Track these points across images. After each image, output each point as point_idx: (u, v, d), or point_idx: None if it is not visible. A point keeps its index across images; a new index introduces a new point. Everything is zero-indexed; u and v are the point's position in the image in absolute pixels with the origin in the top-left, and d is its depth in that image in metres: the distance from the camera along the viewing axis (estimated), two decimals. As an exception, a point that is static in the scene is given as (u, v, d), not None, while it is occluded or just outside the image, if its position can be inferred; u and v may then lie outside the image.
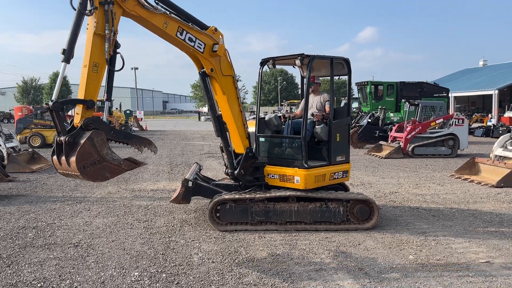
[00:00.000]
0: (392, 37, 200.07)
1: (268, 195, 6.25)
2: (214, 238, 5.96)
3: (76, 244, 5.70)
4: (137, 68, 75.21)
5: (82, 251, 5.42)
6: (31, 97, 75.18)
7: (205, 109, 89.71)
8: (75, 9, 4.72)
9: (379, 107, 21.40)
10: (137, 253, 5.37)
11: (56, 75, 69.01)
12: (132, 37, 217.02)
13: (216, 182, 7.30)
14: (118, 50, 5.08)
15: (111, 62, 5.02)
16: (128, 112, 39.66)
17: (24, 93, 76.54)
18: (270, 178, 6.54)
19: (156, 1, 5.49)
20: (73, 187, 9.82)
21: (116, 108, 33.82)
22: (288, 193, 6.21)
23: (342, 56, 6.62)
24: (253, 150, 6.56)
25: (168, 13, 5.50)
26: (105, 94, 5.25)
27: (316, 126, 6.61)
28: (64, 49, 4.70)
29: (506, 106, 41.02)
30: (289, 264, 4.97)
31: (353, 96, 31.32)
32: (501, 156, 11.03)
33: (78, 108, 4.77)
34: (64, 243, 5.73)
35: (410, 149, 15.75)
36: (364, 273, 4.72)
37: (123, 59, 5.14)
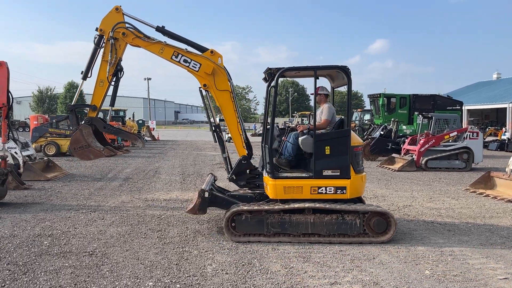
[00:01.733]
0: (403, 49, 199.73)
1: (287, 206, 6.20)
2: (228, 249, 5.95)
3: (91, 252, 5.74)
4: (150, 79, 75.92)
5: (97, 260, 5.45)
6: (46, 106, 76.40)
7: (217, 119, 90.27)
8: (94, 43, 6.94)
9: (392, 119, 21.29)
10: (151, 263, 5.38)
11: (70, 84, 70.24)
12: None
13: (231, 192, 7.33)
14: (121, 71, 7.08)
15: (116, 79, 7.08)
16: (140, 122, 40.01)
17: (40, 102, 77.83)
18: (264, 186, 6.73)
19: (163, 34, 6.98)
20: (87, 195, 9.91)
21: (129, 118, 34.16)
22: (306, 204, 6.17)
23: (338, 65, 6.40)
24: (248, 159, 6.97)
25: (165, 41, 6.91)
26: (110, 101, 7.28)
27: (299, 138, 6.62)
28: (82, 71, 7.01)
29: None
30: (303, 277, 4.94)
31: (365, 108, 31.17)
32: (518, 171, 10.85)
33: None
34: (79, 252, 5.77)
35: (423, 162, 15.61)
36: (379, 287, 4.67)
37: (120, 77, 7.16)
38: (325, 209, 6.17)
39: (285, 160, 6.77)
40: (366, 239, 6.22)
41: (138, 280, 4.80)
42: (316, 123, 6.52)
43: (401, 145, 17.81)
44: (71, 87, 70.08)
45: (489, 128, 39.02)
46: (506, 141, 26.75)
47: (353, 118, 31.24)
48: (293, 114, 60.87)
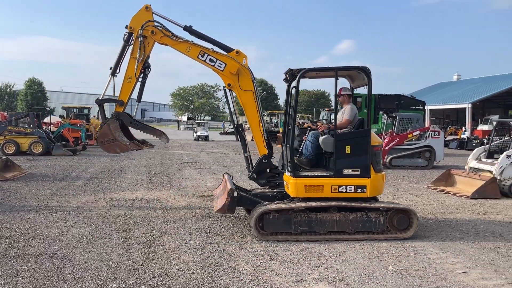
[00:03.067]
0: (369, 50, 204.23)
1: (314, 204, 6.25)
2: (195, 248, 5.89)
3: (51, 255, 5.54)
4: (116, 76, 74.29)
5: (57, 262, 5.26)
6: (5, 103, 73.27)
7: (184, 118, 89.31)
8: (123, 40, 7.04)
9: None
10: (115, 264, 5.25)
11: (31, 81, 67.60)
12: (112, 46, 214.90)
13: (252, 192, 7.31)
14: (148, 68, 7.16)
15: (144, 76, 7.15)
16: (106, 120, 38.95)
17: (-2, 99, 74.54)
18: (285, 184, 6.84)
19: (190, 33, 7.12)
20: (48, 196, 9.57)
21: (94, 116, 33.25)
22: (333, 203, 6.25)
23: (357, 65, 6.54)
24: (268, 158, 7.08)
25: (192, 40, 7.05)
26: (136, 97, 7.45)
27: (320, 137, 6.72)
28: (111, 67, 7.17)
29: (479, 120, 42.26)
30: (270, 276, 4.95)
31: (332, 108, 31.62)
32: (476, 168, 11.31)
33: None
34: (38, 254, 5.56)
35: (387, 160, 16.00)
36: (344, 283, 4.74)
37: (147, 74, 7.21)
38: (351, 207, 6.29)
39: (305, 160, 6.85)
40: (391, 236, 6.33)
41: (102, 282, 4.67)
42: (338, 122, 6.58)
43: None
44: (32, 84, 67.49)
45: (449, 127, 40.46)
46: (466, 140, 27.84)
47: (320, 117, 31.65)
48: (262, 113, 61.13)
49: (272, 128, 34.32)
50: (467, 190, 10.33)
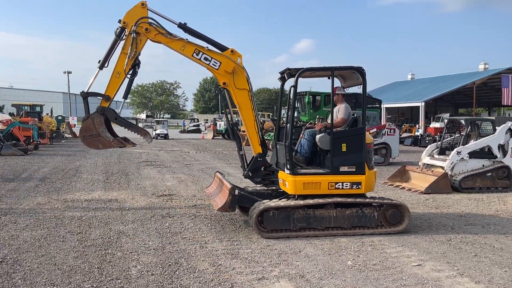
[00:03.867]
0: (327, 49, 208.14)
1: (311, 201, 6.37)
2: (154, 249, 5.76)
3: (0, 260, 5.25)
4: (70, 72, 71.60)
5: (7, 268, 4.99)
6: None
7: (143, 115, 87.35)
8: (115, 35, 6.83)
9: (317, 116, 22.02)
10: (70, 268, 5.05)
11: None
12: (65, 40, 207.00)
13: (248, 189, 7.23)
14: (138, 65, 6.94)
15: (133, 72, 6.90)
16: (60, 118, 37.62)
17: None
18: (280, 182, 6.95)
19: (185, 31, 6.98)
20: (-3, 198, 9.08)
21: (47, 114, 31.92)
22: (329, 200, 6.41)
23: (352, 65, 6.69)
24: (263, 156, 7.11)
25: (186, 39, 6.92)
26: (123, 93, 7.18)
27: (317, 135, 6.83)
28: (99, 60, 6.93)
29: (431, 117, 44.08)
30: (231, 274, 4.92)
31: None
32: (429, 164, 11.77)
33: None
34: (-14, 260, 5.25)
35: (346, 157, 16.30)
36: (305, 280, 4.78)
37: (137, 71, 6.96)
38: (347, 203, 6.49)
39: (302, 157, 6.96)
40: (384, 230, 6.54)
41: (55, 287, 4.48)
42: (327, 121, 6.67)
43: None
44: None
45: (404, 125, 41.96)
46: (419, 137, 28.94)
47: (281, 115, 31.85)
48: (223, 111, 60.80)
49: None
50: (421, 185, 10.73)
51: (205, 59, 6.88)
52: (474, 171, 10.90)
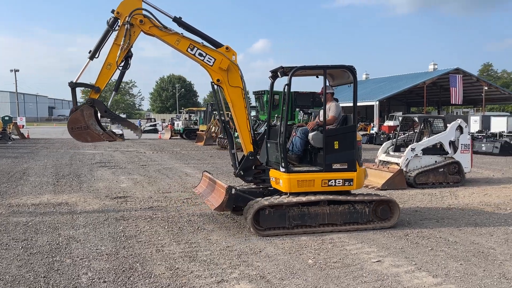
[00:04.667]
0: (283, 49, 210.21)
1: (323, 197, 6.45)
2: (106, 254, 5.45)
3: None
4: (17, 70, 68.15)
5: None
6: None
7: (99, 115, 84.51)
8: (107, 25, 6.58)
9: (276, 115, 22.08)
10: (13, 278, 4.66)
11: None
12: (12, 37, 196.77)
13: (239, 188, 7.05)
14: (130, 57, 6.73)
15: (124, 64, 6.69)
16: (6, 118, 35.60)
17: None
18: (272, 180, 6.95)
19: (179, 25, 6.85)
20: None
21: (-8, 114, 30.09)
22: (322, 197, 6.48)
23: (343, 64, 6.78)
24: (255, 155, 7.06)
25: (182, 33, 6.78)
26: (115, 86, 7.02)
27: (309, 134, 6.90)
28: (90, 50, 6.64)
29: (385, 116, 45.51)
30: (189, 278, 4.71)
31: (251, 105, 31.91)
32: (385, 161, 12.03)
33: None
34: None
35: (304, 155, 16.41)
36: (266, 281, 4.66)
37: (130, 64, 6.76)
38: (340, 200, 6.61)
39: (294, 155, 7.02)
40: (375, 225, 6.68)
41: (-5, 301, 4.10)
42: (320, 119, 6.81)
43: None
44: None
45: (360, 124, 43.04)
46: (374, 135, 29.73)
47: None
48: (180, 110, 59.85)
49: (191, 126, 33.74)
50: (378, 181, 10.92)
51: (200, 54, 6.77)
52: (427, 167, 11.23)
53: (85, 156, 18.28)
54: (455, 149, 11.61)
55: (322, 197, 6.48)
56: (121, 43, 6.51)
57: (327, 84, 7.19)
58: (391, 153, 12.15)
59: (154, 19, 6.67)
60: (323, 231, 6.47)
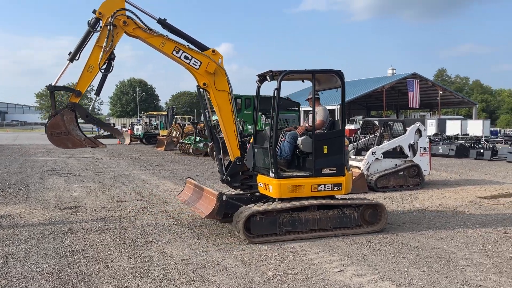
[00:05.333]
0: (246, 53, 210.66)
1: (306, 203, 6.38)
2: (48, 273, 4.95)
3: None
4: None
5: None
6: None
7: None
8: (88, 26, 6.31)
9: (238, 119, 21.82)
10: None
11: None
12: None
13: (227, 195, 6.80)
14: (113, 60, 6.46)
15: (106, 67, 6.40)
16: (-49, 123, 33.45)
17: None
18: (260, 186, 6.84)
19: (163, 27, 6.66)
20: None
21: None
22: (314, 201, 6.43)
23: (332, 69, 6.74)
24: (242, 160, 6.94)
25: (167, 35, 6.59)
26: (96, 90, 6.69)
27: (298, 138, 6.80)
28: (70, 52, 6.34)
29: (346, 120, 46.19)
30: (138, 297, 4.32)
31: (213, 109, 31.53)
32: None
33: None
34: None
35: (267, 160, 16.22)
36: (222, 297, 4.34)
37: (113, 66, 6.48)
38: (331, 204, 6.58)
39: (283, 160, 6.87)
40: (363, 230, 6.67)
41: None
42: (311, 124, 6.73)
43: (247, 144, 18.28)
44: None
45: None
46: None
47: (202, 118, 31.31)
48: (140, 114, 58.45)
49: (152, 130, 32.89)
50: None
51: (185, 57, 6.59)
52: (388, 170, 11.27)
53: (37, 163, 17.29)
54: (414, 152, 11.73)
55: (314, 201, 6.46)
56: (104, 44, 6.26)
57: (316, 88, 7.22)
58: (352, 156, 12.12)
59: (138, 20, 6.45)
60: (314, 236, 6.39)
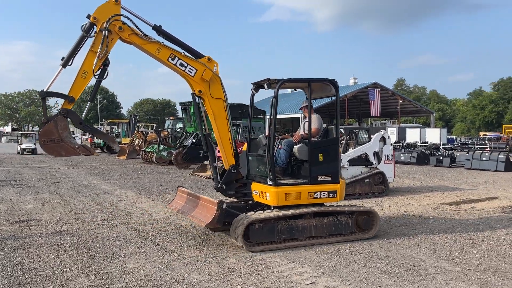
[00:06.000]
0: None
1: (293, 212, 6.38)
2: (-5, 295, 4.51)
3: None
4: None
5: None
6: None
7: (7, 128, 77.70)
8: (82, 31, 6.19)
9: (203, 127, 21.49)
10: None
11: None
12: None
13: (227, 203, 6.74)
14: (107, 66, 6.32)
15: (101, 73, 6.28)
16: None
17: None
18: (254, 194, 6.84)
19: (158, 33, 6.62)
20: None
21: None
22: (313, 209, 6.50)
23: (328, 78, 6.90)
24: (237, 168, 6.92)
25: (163, 42, 6.55)
26: (89, 96, 6.55)
27: (294, 146, 6.86)
28: (63, 57, 6.18)
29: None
30: (97, 319, 3.98)
31: (178, 116, 31.04)
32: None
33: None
34: None
35: (232, 168, 16.02)
36: (189, 316, 4.07)
37: (108, 72, 6.35)
38: (327, 211, 6.69)
39: (279, 168, 6.89)
40: (357, 237, 6.73)
41: None
42: (306, 132, 6.73)
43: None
44: None
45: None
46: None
47: (166, 126, 30.72)
48: (101, 122, 56.82)
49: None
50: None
51: (181, 64, 6.56)
52: (354, 178, 11.31)
53: (-13, 174, 16.27)
54: (379, 160, 11.85)
55: (314, 209, 6.53)
56: (98, 50, 6.15)
57: (307, 96, 7.39)
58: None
59: (133, 26, 6.37)
60: (310, 244, 6.42)
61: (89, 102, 6.82)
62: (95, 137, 33.28)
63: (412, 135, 41.01)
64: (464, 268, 5.45)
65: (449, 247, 6.44)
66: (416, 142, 35.06)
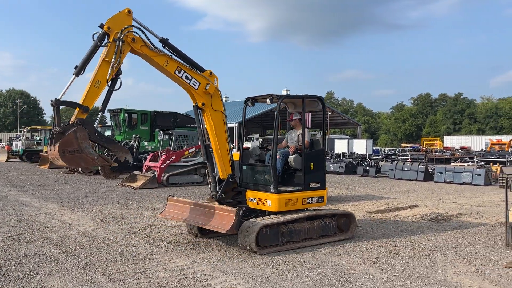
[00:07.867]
0: (142, 69, 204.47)
1: (304, 213, 7.14)
2: None
3: None
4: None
5: None
6: None
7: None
8: (94, 40, 6.14)
9: (133, 135, 20.77)
10: None
11: None
12: None
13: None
14: (120, 76, 6.27)
15: (113, 83, 6.21)
16: None
17: None
18: (250, 201, 7.33)
19: (164, 46, 6.71)
20: None
21: None
22: (307, 213, 7.20)
23: (316, 95, 7.61)
24: (234, 177, 7.22)
25: (170, 55, 6.70)
26: (101, 106, 6.32)
27: (290, 156, 7.43)
28: (76, 66, 6.08)
29: (243, 138, 47.11)
30: None
31: (106, 124, 29.79)
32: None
33: (76, 111, 5.87)
34: None
35: (164, 178, 15.60)
36: (114, 337, 3.79)
37: (121, 82, 6.33)
38: (322, 215, 7.41)
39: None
40: (337, 238, 7.43)
41: None
42: (299, 143, 7.42)
43: (143, 162, 17.43)
44: None
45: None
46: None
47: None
48: (20, 129, 52.77)
49: (34, 147, 29.77)
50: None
51: (186, 77, 6.77)
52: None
53: None
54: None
55: (308, 213, 7.20)
56: (112, 60, 6.13)
57: (289, 110, 8.20)
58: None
59: (145, 38, 6.47)
60: (309, 245, 7.01)
61: (100, 113, 6.54)
62: (13, 144, 30.90)
63: (341, 146, 42.80)
64: (390, 275, 5.67)
65: (376, 254, 6.69)
66: (344, 153, 36.57)
